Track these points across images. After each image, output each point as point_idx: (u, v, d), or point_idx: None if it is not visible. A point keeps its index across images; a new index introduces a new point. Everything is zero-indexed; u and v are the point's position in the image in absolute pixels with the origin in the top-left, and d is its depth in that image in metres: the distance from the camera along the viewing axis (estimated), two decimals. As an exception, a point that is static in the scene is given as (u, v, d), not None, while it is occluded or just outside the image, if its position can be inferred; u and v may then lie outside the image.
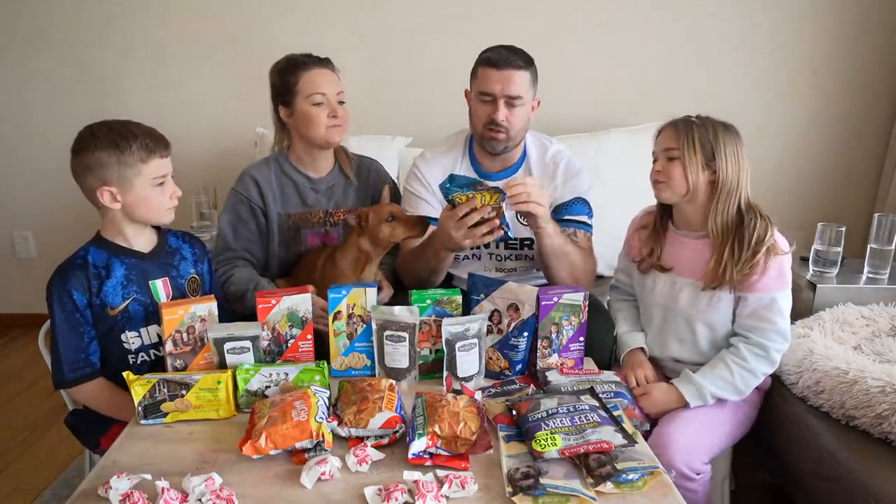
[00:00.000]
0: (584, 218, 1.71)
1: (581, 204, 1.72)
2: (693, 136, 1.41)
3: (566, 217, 1.69)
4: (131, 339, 1.39)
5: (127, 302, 1.38)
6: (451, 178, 1.47)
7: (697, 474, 1.32)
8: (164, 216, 1.40)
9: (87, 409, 1.45)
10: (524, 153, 1.74)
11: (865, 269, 1.94)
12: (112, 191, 1.32)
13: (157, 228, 1.47)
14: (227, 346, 1.30)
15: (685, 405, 1.41)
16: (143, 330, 1.40)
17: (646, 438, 1.17)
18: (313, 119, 1.66)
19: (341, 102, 1.70)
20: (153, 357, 1.42)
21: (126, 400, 1.25)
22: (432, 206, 1.72)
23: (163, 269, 1.43)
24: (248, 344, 1.31)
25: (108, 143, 1.30)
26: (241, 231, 1.71)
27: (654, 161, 1.49)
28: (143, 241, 1.43)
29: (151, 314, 1.39)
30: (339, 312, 1.37)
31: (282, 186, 1.73)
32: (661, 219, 1.55)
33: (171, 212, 1.41)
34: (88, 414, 1.44)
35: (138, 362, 1.40)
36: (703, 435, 1.38)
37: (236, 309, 1.61)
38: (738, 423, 1.46)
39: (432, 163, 1.75)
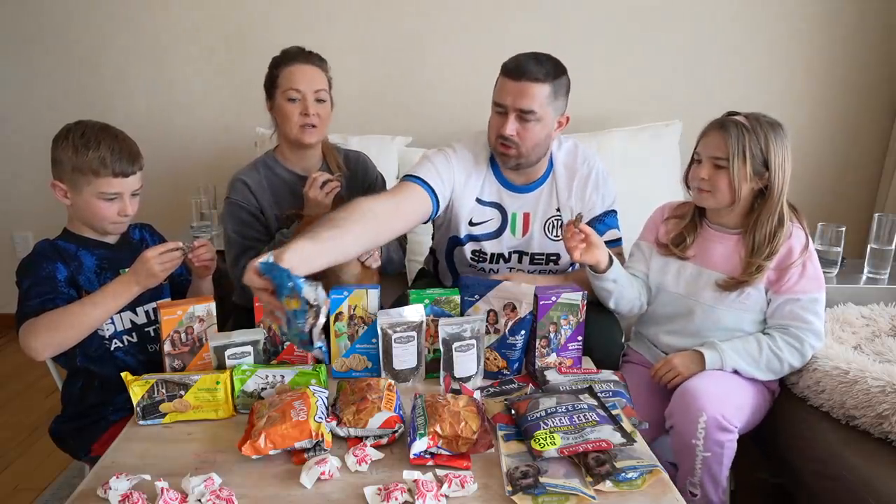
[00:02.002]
0: (615, 234, 1.67)
1: (612, 217, 1.67)
2: (744, 145, 1.36)
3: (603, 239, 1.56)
4: (105, 326, 1.40)
5: None
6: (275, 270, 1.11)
7: (730, 424, 1.30)
8: (108, 228, 1.42)
9: (72, 415, 1.44)
10: (550, 164, 1.66)
11: (865, 269, 1.94)
12: (64, 188, 1.37)
13: None
14: (228, 352, 1.30)
15: (703, 369, 1.41)
16: (116, 316, 1.41)
17: (644, 437, 1.16)
18: (286, 115, 1.65)
19: (321, 101, 1.66)
20: (126, 343, 1.43)
21: (82, 308, 1.28)
22: (438, 181, 1.56)
23: (132, 258, 1.43)
24: (248, 349, 1.31)
25: (71, 143, 1.34)
26: (248, 233, 1.70)
27: (696, 161, 1.45)
28: (109, 234, 1.45)
29: None
30: (340, 314, 1.37)
31: (273, 188, 1.72)
32: (695, 212, 1.53)
33: (116, 226, 1.43)
34: (73, 420, 1.43)
35: (112, 349, 1.41)
36: (735, 391, 1.38)
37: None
38: (759, 407, 1.45)
39: (461, 156, 1.62)
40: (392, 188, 1.57)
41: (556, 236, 1.66)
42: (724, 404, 1.32)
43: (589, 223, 1.61)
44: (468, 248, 1.69)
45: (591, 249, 1.44)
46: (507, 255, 1.69)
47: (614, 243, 1.66)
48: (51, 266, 1.35)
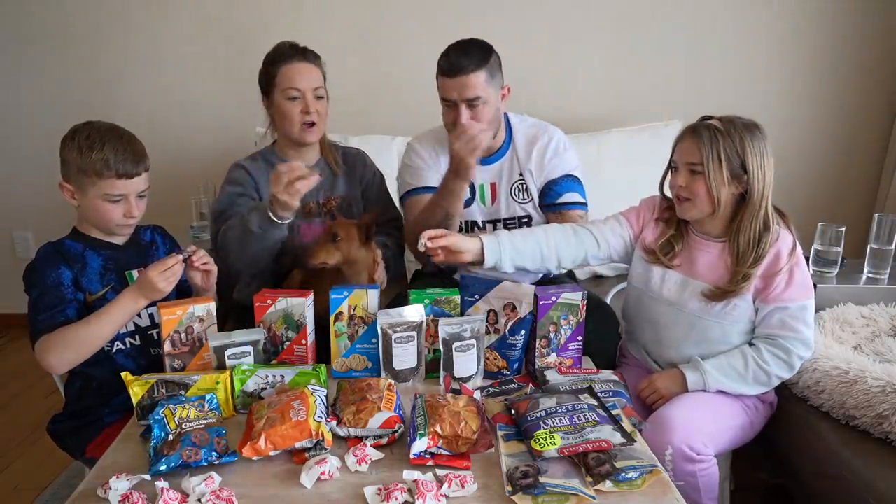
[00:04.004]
0: (577, 197, 1.72)
1: (571, 181, 1.73)
2: (718, 148, 1.32)
3: (559, 201, 1.71)
4: None
5: (105, 290, 1.39)
6: None
7: (697, 455, 1.27)
8: (115, 230, 1.42)
9: (70, 414, 1.44)
10: (509, 134, 1.76)
11: (865, 269, 1.94)
12: (71, 189, 1.36)
13: None
14: (228, 352, 1.30)
15: (685, 390, 1.39)
16: None
17: (644, 437, 1.16)
18: (287, 114, 1.66)
19: (320, 97, 1.68)
20: (128, 346, 1.43)
21: (93, 324, 1.29)
22: (432, 175, 1.74)
23: (140, 259, 1.42)
24: (248, 349, 1.31)
25: (76, 145, 1.33)
26: (241, 202, 1.68)
27: (672, 169, 1.43)
28: (116, 235, 1.45)
29: None
30: (340, 314, 1.37)
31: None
32: (681, 219, 1.48)
33: (122, 228, 1.42)
34: (71, 419, 1.44)
35: (113, 351, 1.41)
36: (706, 418, 1.33)
37: (232, 260, 1.58)
38: (744, 425, 1.41)
39: (424, 143, 1.80)
40: (411, 213, 1.74)
41: (523, 199, 1.76)
42: (692, 434, 1.28)
43: (546, 185, 1.73)
44: None
45: (453, 255, 1.42)
46: (480, 224, 1.77)
47: (574, 206, 1.72)
48: (55, 272, 1.35)
